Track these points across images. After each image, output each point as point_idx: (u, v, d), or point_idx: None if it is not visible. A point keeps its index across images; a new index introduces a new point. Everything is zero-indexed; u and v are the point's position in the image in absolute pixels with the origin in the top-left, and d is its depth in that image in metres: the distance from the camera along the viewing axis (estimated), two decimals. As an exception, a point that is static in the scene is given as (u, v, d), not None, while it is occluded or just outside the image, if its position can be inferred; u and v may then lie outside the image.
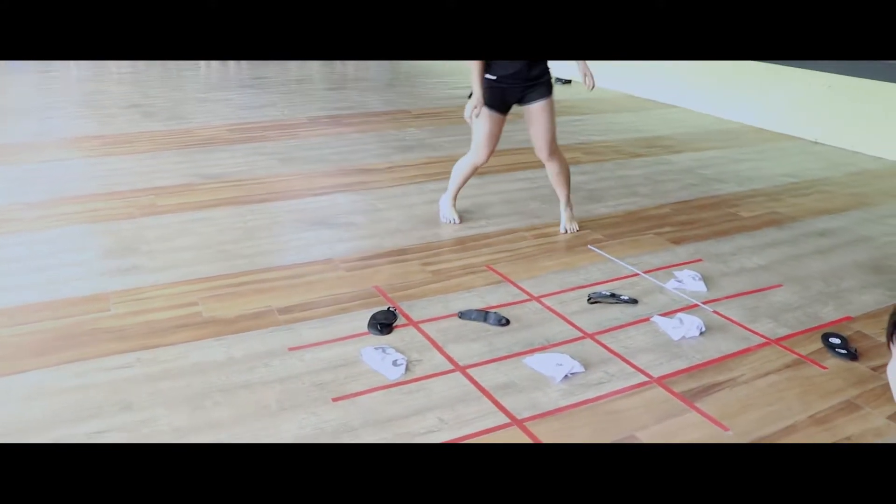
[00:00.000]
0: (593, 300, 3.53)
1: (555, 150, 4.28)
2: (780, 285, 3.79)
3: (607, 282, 3.75)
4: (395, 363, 2.90)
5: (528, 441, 2.52)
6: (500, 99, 4.13)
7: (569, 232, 4.39)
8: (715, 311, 3.49)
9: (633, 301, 3.55)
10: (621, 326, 3.33)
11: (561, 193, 4.41)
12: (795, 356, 3.12)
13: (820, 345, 3.21)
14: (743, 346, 3.19)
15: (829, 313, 3.52)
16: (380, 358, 2.93)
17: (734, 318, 3.42)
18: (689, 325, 3.29)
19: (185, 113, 7.49)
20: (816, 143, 6.95)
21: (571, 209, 4.45)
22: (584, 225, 4.51)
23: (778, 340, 3.24)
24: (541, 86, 4.15)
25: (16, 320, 3.24)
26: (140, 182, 5.13)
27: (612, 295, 3.57)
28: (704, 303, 3.57)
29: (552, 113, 4.22)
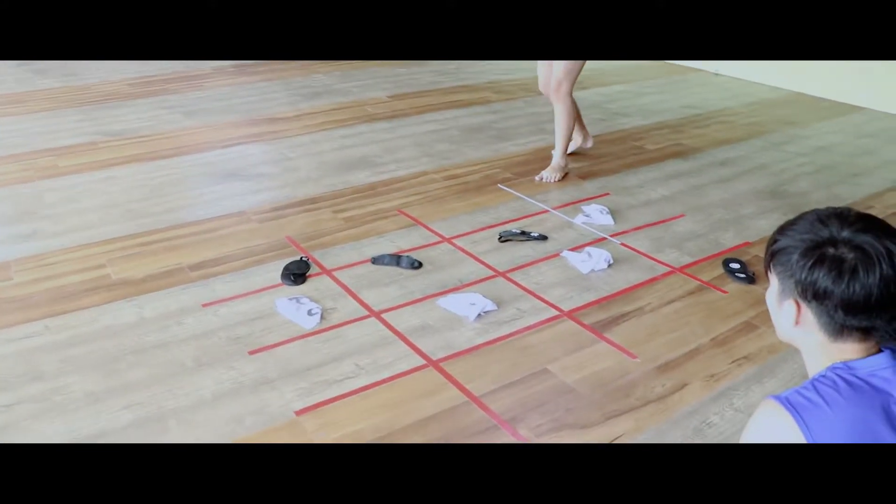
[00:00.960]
0: (504, 239, 3.59)
1: (557, 92, 4.26)
2: (683, 215, 3.92)
3: (517, 220, 3.82)
4: (309, 312, 2.91)
5: (445, 381, 2.58)
6: None
7: (544, 180, 4.35)
8: (622, 244, 3.59)
9: (543, 237, 3.62)
10: (532, 263, 3.40)
11: (555, 140, 4.40)
12: (698, 282, 3.25)
13: (721, 270, 3.35)
14: (649, 275, 3.31)
15: (729, 239, 3.67)
16: (294, 308, 2.94)
17: (640, 250, 3.53)
18: (597, 259, 3.38)
19: (80, 69, 7.19)
20: (717, 74, 7.13)
21: (560, 160, 4.38)
22: (493, 164, 4.56)
23: (682, 269, 3.36)
24: None
25: (-87, 293, 3.13)
26: (38, 143, 4.94)
27: (523, 233, 3.64)
28: (612, 236, 3.67)
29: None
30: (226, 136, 5.09)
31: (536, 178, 4.35)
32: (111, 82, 6.54)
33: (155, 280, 3.22)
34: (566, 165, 4.41)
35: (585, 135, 4.70)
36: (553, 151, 4.44)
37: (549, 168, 4.37)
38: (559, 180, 4.35)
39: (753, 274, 3.28)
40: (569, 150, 4.53)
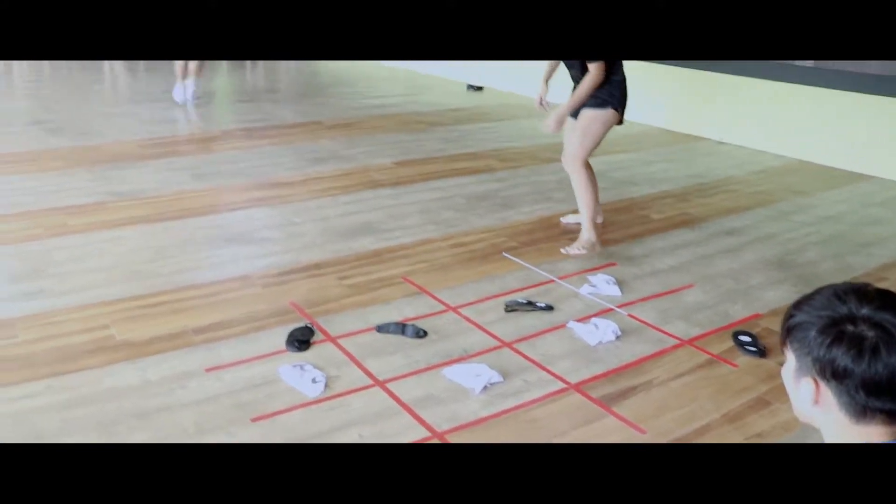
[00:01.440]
0: (510, 309, 3.58)
1: (570, 163, 4.32)
2: (691, 285, 3.91)
3: (523, 289, 3.81)
4: (313, 380, 2.88)
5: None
6: None
7: (570, 254, 4.28)
8: (630, 315, 3.57)
9: (549, 308, 3.61)
10: (538, 334, 3.38)
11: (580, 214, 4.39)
12: (708, 356, 3.22)
13: (731, 343, 3.33)
14: (657, 348, 3.28)
15: (738, 311, 3.65)
16: (298, 375, 2.91)
17: (648, 321, 3.51)
18: (604, 330, 3.36)
19: (93, 128, 7.28)
20: (721, 143, 7.19)
21: (588, 235, 4.31)
22: (499, 233, 4.56)
23: (691, 341, 3.34)
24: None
25: (-85, 352, 3.10)
26: (48, 201, 4.97)
27: (529, 303, 3.63)
28: (619, 306, 3.65)
29: (583, 126, 4.29)
30: (232, 200, 5.12)
31: (563, 250, 4.31)
32: (122, 142, 6.61)
33: (159, 342, 3.20)
34: (595, 239, 4.33)
35: (598, 210, 4.60)
36: (580, 224, 4.41)
37: (576, 242, 4.32)
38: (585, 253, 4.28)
39: (765, 347, 3.25)
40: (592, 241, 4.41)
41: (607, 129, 4.28)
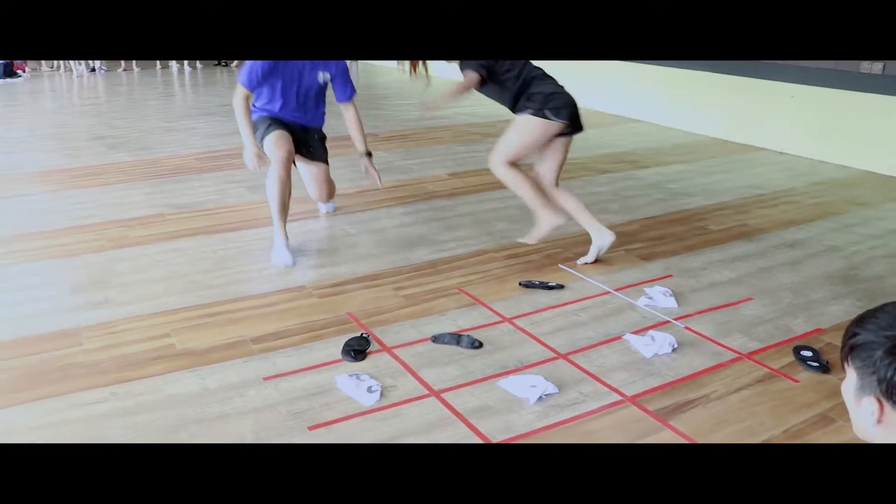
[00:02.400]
0: (524, 284, 3.90)
1: (493, 165, 4.25)
2: (750, 298, 3.84)
3: (579, 301, 3.78)
4: (369, 390, 2.90)
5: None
6: None
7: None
8: (686, 327, 3.52)
9: (560, 286, 3.91)
10: (594, 346, 3.35)
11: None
12: (767, 370, 3.16)
13: (791, 358, 3.26)
14: (715, 361, 3.23)
15: (799, 325, 3.57)
16: (354, 385, 2.93)
17: (706, 334, 3.46)
18: (661, 343, 3.32)
19: (152, 143, 7.46)
20: (782, 153, 7.07)
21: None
22: (554, 244, 4.54)
23: (750, 355, 3.28)
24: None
25: (-15, 359, 3.21)
26: (110, 214, 5.10)
27: (542, 283, 3.91)
28: (676, 319, 3.61)
29: (514, 131, 4.21)
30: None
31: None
32: (180, 156, 6.76)
33: (218, 351, 3.25)
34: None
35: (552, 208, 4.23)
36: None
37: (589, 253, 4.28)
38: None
39: (827, 363, 3.18)
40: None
41: (542, 138, 4.11)
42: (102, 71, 13.66)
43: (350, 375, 3.00)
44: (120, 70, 13.66)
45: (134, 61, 13.58)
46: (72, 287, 3.95)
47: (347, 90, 4.90)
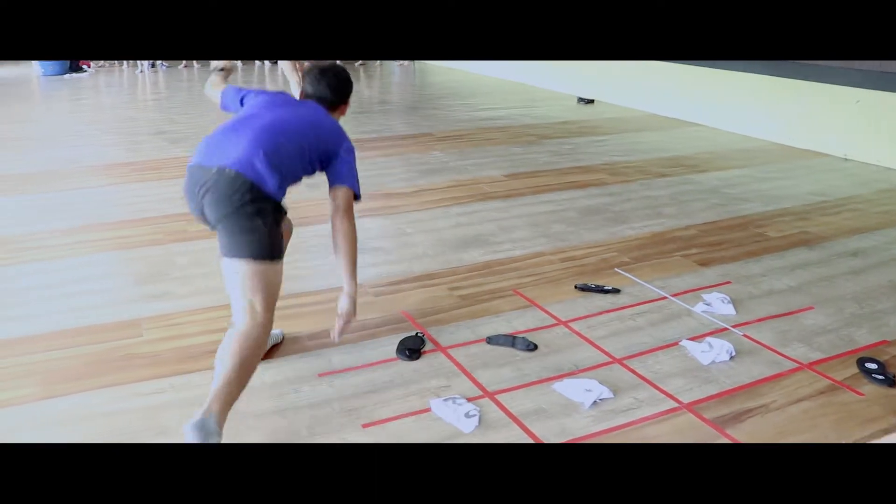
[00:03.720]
0: (580, 287, 3.90)
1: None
2: (811, 307, 3.76)
3: (635, 305, 3.75)
4: (467, 415, 2.79)
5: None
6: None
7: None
8: (745, 335, 3.46)
9: (616, 290, 3.88)
10: (650, 351, 3.32)
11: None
12: (830, 381, 3.09)
13: (855, 370, 3.18)
14: (775, 370, 3.17)
15: (863, 336, 3.48)
16: (451, 410, 2.82)
17: (765, 342, 3.40)
18: (718, 350, 3.27)
19: (213, 138, 7.55)
20: (846, 159, 6.91)
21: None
22: (610, 248, 4.51)
23: (811, 365, 3.21)
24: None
25: (50, 345, 3.29)
26: (169, 208, 5.19)
27: (597, 287, 3.91)
28: (734, 326, 3.55)
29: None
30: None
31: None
32: (239, 153, 6.83)
33: (274, 346, 3.28)
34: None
35: None
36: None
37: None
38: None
39: (894, 376, 3.09)
40: None
41: None
42: (164, 67, 13.91)
43: (444, 400, 2.87)
44: (181, 66, 13.90)
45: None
46: (133, 279, 4.03)
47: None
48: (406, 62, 14.35)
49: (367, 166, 6.31)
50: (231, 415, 2.77)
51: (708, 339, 3.37)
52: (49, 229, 4.82)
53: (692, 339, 3.40)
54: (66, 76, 13.30)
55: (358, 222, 4.86)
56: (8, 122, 9.14)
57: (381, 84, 12.25)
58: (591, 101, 9.67)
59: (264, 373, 3.06)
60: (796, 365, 3.21)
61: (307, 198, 5.44)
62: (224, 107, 3.42)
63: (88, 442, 2.63)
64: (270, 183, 2.73)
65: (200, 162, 2.81)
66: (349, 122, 7.93)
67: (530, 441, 2.65)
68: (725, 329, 3.52)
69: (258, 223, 2.65)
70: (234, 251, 2.63)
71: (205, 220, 2.77)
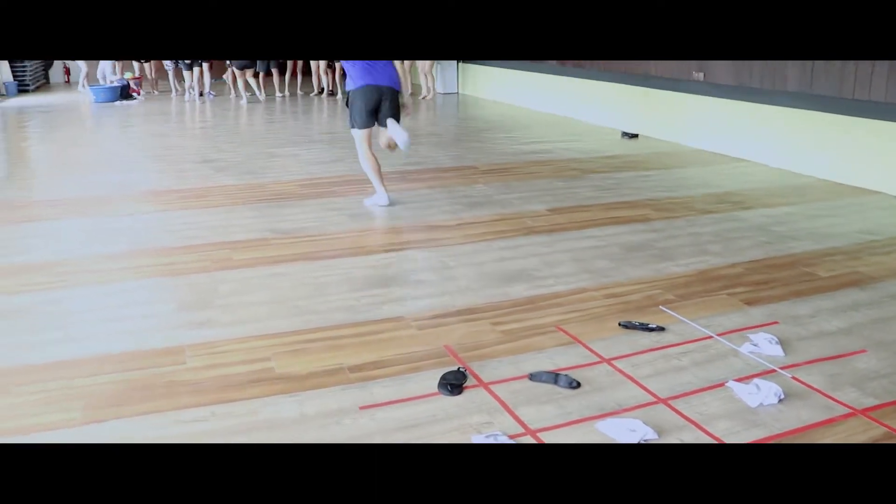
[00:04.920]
0: (624, 325, 3.85)
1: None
2: (864, 351, 3.67)
3: (679, 344, 3.68)
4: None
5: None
6: None
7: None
8: (794, 378, 3.38)
9: (661, 328, 3.81)
10: (695, 391, 3.25)
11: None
12: (885, 429, 2.99)
13: (910, 417, 3.08)
14: (826, 416, 3.08)
15: (920, 383, 3.38)
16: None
17: (815, 386, 3.31)
18: (766, 392, 3.19)
19: (257, 168, 7.67)
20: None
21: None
22: (655, 285, 4.45)
23: (864, 411, 3.12)
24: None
25: (94, 370, 3.34)
26: (215, 236, 5.25)
27: (642, 324, 3.85)
28: (782, 368, 3.47)
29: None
30: (388, 241, 5.25)
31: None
32: (283, 182, 6.92)
33: (316, 378, 3.28)
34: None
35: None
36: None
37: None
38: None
39: (950, 424, 3.00)
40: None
41: None
42: (211, 96, 14.16)
43: (487, 436, 2.83)
44: (230, 96, 14.13)
45: (242, 88, 14.05)
46: (178, 305, 4.07)
47: None
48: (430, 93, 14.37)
49: (412, 198, 6.36)
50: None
51: (755, 380, 3.30)
52: (97, 253, 4.90)
53: (739, 380, 3.33)
54: (117, 103, 13.61)
55: (400, 254, 4.93)
56: (61, 148, 9.37)
57: (425, 116, 12.34)
58: (636, 136, 9.63)
59: (306, 403, 3.06)
60: (849, 410, 3.12)
61: (348, 229, 5.49)
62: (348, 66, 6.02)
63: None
64: (397, 88, 5.99)
65: (376, 82, 5.83)
66: (392, 155, 8.04)
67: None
68: (773, 371, 3.45)
69: (398, 107, 6.01)
70: (396, 117, 5.90)
71: (376, 109, 5.91)
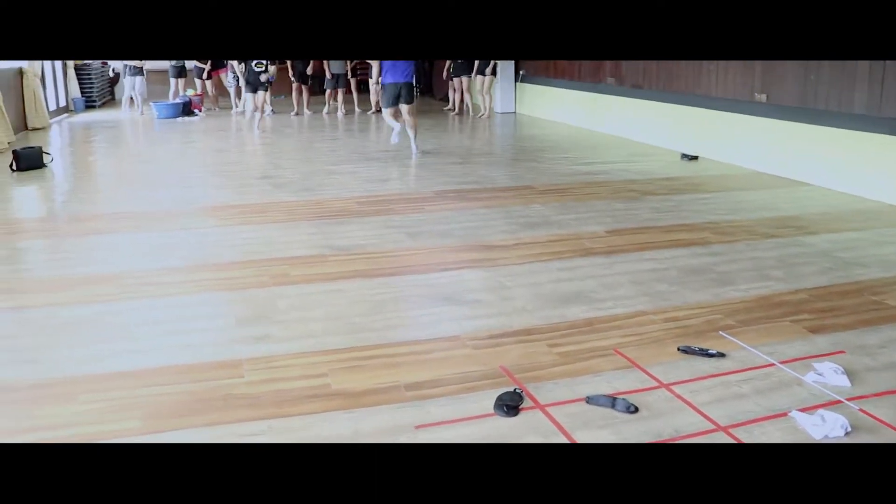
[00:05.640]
0: (683, 349, 3.80)
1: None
2: (935, 384, 3.55)
3: (740, 371, 3.61)
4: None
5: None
6: None
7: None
8: (861, 410, 3.28)
9: (721, 355, 3.75)
10: (756, 420, 3.17)
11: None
12: (954, 464, 2.90)
13: (983, 454, 2.97)
14: None
15: None
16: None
17: (884, 419, 3.21)
18: (832, 424, 3.10)
19: (315, 185, 7.76)
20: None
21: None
22: (715, 309, 4.37)
23: (934, 446, 3.02)
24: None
25: (155, 381, 3.40)
26: (273, 252, 5.31)
27: (702, 350, 3.79)
28: (849, 399, 3.37)
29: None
30: (445, 260, 5.24)
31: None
32: (342, 199, 6.98)
33: (371, 395, 3.29)
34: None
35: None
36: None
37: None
38: None
39: None
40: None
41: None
42: (271, 112, 14.39)
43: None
44: (292, 115, 14.33)
45: (305, 105, 14.25)
46: (236, 320, 4.12)
47: None
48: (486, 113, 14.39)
49: (468, 217, 6.37)
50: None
51: (820, 411, 3.21)
52: (159, 267, 5.00)
53: (803, 410, 3.24)
54: (179, 119, 13.91)
55: (456, 273, 4.92)
56: (125, 163, 9.61)
57: (482, 135, 12.37)
58: (695, 158, 9.51)
59: (361, 420, 3.07)
60: (918, 445, 3.02)
61: (406, 247, 5.51)
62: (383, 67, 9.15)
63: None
64: (412, 81, 9.23)
65: (395, 80, 9.04)
66: (449, 174, 8.05)
67: None
68: (839, 402, 3.35)
69: (413, 94, 9.29)
70: (412, 102, 9.29)
71: (396, 101, 9.16)
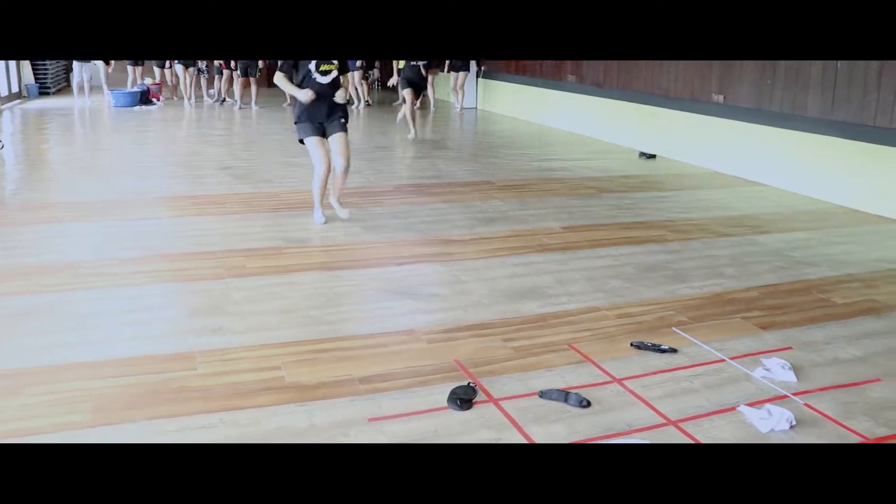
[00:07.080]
0: (636, 345, 3.84)
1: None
2: (878, 379, 3.63)
3: (691, 367, 3.66)
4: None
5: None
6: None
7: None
8: (806, 404, 3.35)
9: (673, 350, 3.80)
10: (706, 415, 3.22)
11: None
12: None
13: (923, 448, 3.05)
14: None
15: (933, 413, 3.34)
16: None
17: (828, 413, 3.28)
18: (778, 418, 3.16)
19: (274, 176, 7.70)
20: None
21: None
22: (668, 306, 4.43)
23: (878, 441, 3.09)
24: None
25: (106, 373, 3.35)
26: (230, 243, 5.26)
27: (654, 345, 3.83)
28: (795, 394, 3.43)
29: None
30: (401, 254, 5.24)
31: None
32: (299, 192, 6.93)
33: (325, 388, 3.28)
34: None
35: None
36: None
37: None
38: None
39: (964, 456, 2.96)
40: None
41: None
42: (234, 103, 14.23)
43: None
44: (252, 105, 14.19)
45: (256, 94, 14.11)
46: (189, 311, 4.08)
47: None
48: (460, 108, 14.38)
49: (427, 212, 6.37)
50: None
51: (767, 405, 3.26)
52: (112, 257, 4.93)
53: (750, 404, 3.29)
54: (136, 108, 13.71)
55: (412, 267, 4.93)
56: (80, 151, 9.45)
57: (444, 130, 12.37)
58: (653, 156, 9.61)
59: (315, 413, 3.06)
60: (861, 439, 3.09)
61: (362, 240, 5.50)
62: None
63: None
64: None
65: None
66: (409, 168, 8.03)
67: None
68: (786, 396, 3.41)
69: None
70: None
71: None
